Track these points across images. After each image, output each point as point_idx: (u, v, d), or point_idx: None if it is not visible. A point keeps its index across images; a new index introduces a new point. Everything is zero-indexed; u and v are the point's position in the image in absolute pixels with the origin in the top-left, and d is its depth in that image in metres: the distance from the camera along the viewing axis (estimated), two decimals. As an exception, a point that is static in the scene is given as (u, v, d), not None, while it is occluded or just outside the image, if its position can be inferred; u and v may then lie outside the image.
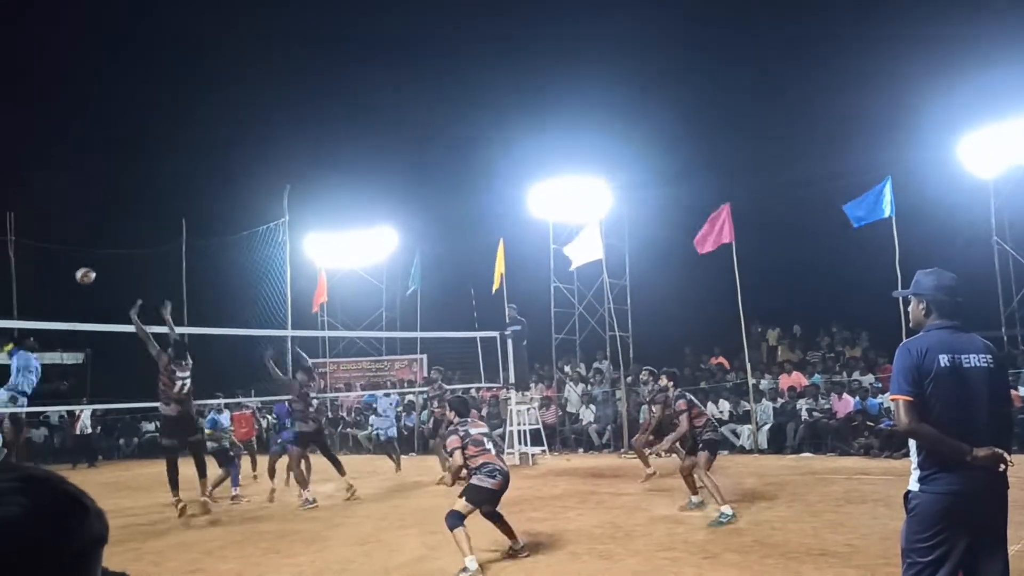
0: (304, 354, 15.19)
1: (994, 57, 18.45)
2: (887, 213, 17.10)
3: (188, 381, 11.81)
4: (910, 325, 4.33)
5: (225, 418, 14.72)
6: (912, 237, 17.02)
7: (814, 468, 14.35)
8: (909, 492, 3.97)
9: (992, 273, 18.25)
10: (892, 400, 4.02)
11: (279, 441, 14.79)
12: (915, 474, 3.96)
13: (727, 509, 9.43)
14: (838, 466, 14.49)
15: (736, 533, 8.63)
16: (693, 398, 10.95)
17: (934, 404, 3.87)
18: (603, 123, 24.62)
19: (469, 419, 8.43)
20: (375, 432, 17.96)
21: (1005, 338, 18.24)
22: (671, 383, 11.01)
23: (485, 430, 8.36)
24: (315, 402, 13.20)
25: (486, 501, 7.92)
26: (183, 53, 31.70)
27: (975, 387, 3.90)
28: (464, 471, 8.05)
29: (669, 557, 7.64)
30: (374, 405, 21.50)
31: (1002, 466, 3.78)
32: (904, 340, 4.18)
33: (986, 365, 3.94)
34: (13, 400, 13.86)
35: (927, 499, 3.86)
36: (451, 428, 8.39)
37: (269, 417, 21.52)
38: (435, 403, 16.19)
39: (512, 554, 8.00)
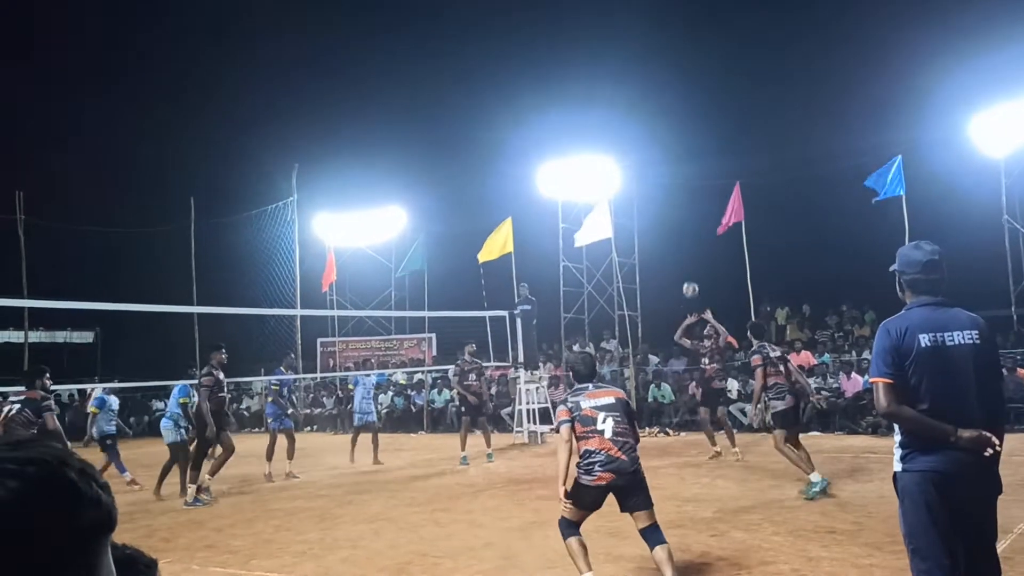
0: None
1: (1005, 36, 18.33)
2: (898, 192, 17.06)
3: (16, 406, 9.50)
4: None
5: (115, 401, 14.20)
6: (922, 216, 16.98)
7: (822, 447, 14.35)
8: (895, 474, 3.85)
9: (1002, 252, 18.18)
10: (872, 383, 3.88)
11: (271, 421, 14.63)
12: (897, 453, 3.84)
13: (815, 476, 9.21)
14: (846, 445, 14.50)
15: (744, 511, 8.65)
16: (773, 354, 10.62)
17: (918, 385, 3.73)
18: (612, 101, 24.56)
19: (590, 385, 6.36)
20: (357, 416, 16.26)
21: (1015, 317, 18.19)
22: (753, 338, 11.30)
23: (605, 402, 6.16)
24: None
25: (592, 504, 6.06)
26: (192, 35, 31.70)
27: (960, 365, 3.74)
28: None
29: (677, 534, 7.66)
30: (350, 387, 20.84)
31: (988, 450, 3.61)
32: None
33: (971, 342, 3.78)
34: None
35: (910, 478, 3.74)
36: (564, 397, 6.53)
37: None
38: (471, 376, 15.00)
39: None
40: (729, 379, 18.82)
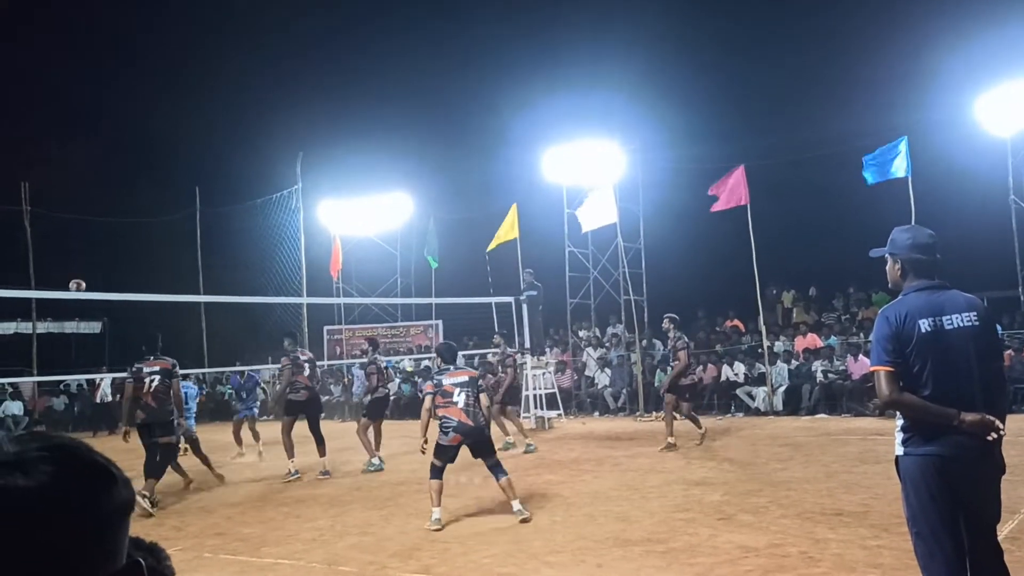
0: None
1: (1011, 14, 18.23)
2: (903, 173, 17.01)
3: (156, 378, 10.39)
4: (889, 286, 4.11)
5: None
6: (928, 197, 16.93)
7: (829, 429, 14.37)
8: (897, 458, 3.83)
9: (1009, 232, 18.12)
10: (873, 371, 3.84)
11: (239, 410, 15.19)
12: (899, 437, 3.81)
13: (376, 460, 12.15)
14: (853, 427, 14.51)
15: (751, 494, 8.67)
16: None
17: (920, 371, 3.70)
18: (616, 86, 24.48)
19: (452, 367, 8.51)
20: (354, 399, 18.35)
21: (1022, 297, 18.14)
22: None
23: (460, 380, 8.28)
24: (307, 368, 12.32)
25: (451, 456, 8.20)
26: (194, 23, 31.63)
27: (961, 349, 3.72)
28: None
29: (684, 518, 7.70)
30: (349, 377, 21.54)
31: (992, 435, 3.57)
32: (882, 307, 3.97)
33: (970, 324, 3.74)
34: None
35: (912, 462, 3.72)
36: (432, 374, 8.71)
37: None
38: (499, 368, 15.45)
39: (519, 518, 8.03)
40: (736, 363, 18.87)
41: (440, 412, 8.16)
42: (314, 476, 11.98)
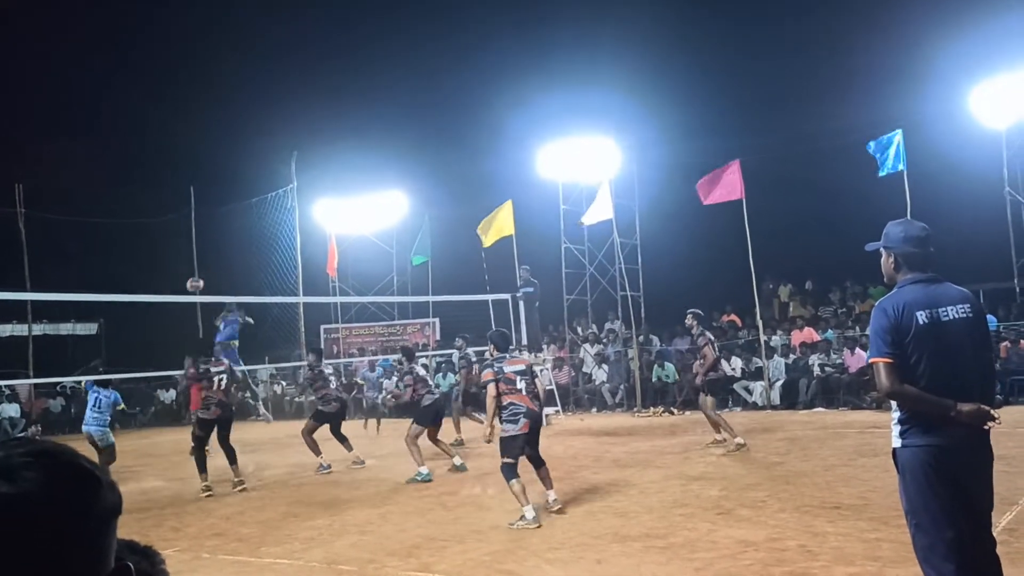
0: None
1: (1004, 6, 18.22)
2: (899, 167, 17.00)
3: (224, 376, 11.40)
4: (884, 280, 4.13)
5: None
6: (924, 190, 16.92)
7: (826, 423, 14.38)
8: (895, 450, 3.84)
9: (1004, 224, 18.15)
10: (872, 363, 3.87)
11: None
12: (896, 429, 3.82)
13: (424, 470, 10.89)
14: (850, 420, 14.51)
15: (750, 488, 8.67)
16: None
17: (917, 363, 3.72)
18: (611, 82, 24.44)
19: (507, 355, 8.38)
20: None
21: (1017, 289, 18.18)
22: None
23: (519, 368, 8.20)
24: (333, 380, 13.33)
25: (521, 446, 7.91)
26: (188, 21, 31.55)
27: (957, 340, 3.76)
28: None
29: (683, 513, 7.70)
30: (358, 380, 21.96)
31: (989, 424, 3.62)
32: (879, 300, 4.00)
33: (964, 316, 3.79)
34: None
35: (910, 454, 3.74)
36: (487, 362, 8.49)
37: None
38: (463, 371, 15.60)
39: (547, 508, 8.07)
40: (733, 357, 18.87)
41: (506, 399, 7.99)
42: (326, 473, 12.16)
